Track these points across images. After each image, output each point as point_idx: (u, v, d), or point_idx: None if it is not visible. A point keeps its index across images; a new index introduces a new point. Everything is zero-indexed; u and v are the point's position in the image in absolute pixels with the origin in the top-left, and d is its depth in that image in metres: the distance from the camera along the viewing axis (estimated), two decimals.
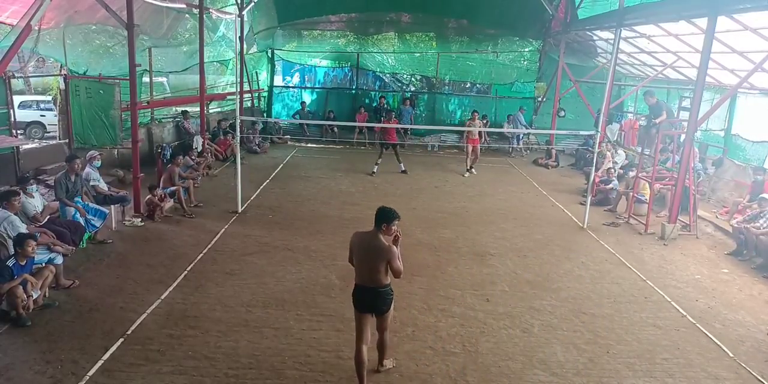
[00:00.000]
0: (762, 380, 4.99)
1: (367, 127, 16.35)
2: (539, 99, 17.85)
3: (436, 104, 18.45)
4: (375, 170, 12.73)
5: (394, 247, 4.40)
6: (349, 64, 18.79)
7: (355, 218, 9.29)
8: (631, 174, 10.95)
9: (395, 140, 13.05)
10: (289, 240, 8.11)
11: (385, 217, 4.44)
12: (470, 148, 13.28)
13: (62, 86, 10.35)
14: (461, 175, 13.28)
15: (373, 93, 18.55)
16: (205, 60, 13.32)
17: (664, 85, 14.20)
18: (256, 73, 18.05)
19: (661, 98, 11.74)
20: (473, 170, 13.48)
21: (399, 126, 14.87)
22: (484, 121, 16.77)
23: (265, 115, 18.04)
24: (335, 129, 17.05)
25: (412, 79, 19.41)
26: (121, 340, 5.11)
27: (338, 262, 7.29)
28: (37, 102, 16.23)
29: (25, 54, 10.62)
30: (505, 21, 17.29)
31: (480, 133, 13.75)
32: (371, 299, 4.50)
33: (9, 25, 9.93)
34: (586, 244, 8.67)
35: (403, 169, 13.12)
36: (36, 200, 6.89)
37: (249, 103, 17.63)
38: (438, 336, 5.52)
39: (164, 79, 17.25)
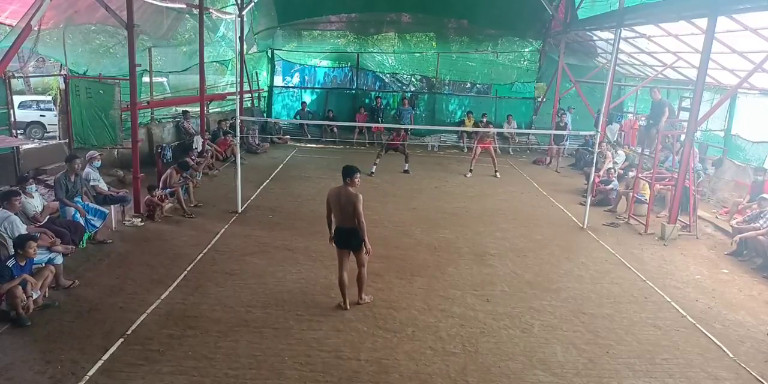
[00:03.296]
0: (762, 380, 4.99)
1: (366, 127, 16.36)
2: (539, 99, 17.85)
3: (436, 104, 18.45)
4: (373, 170, 12.72)
5: (359, 194, 5.72)
6: (349, 64, 18.79)
7: None
8: (631, 174, 10.96)
9: (397, 145, 13.15)
10: (289, 240, 8.10)
11: (348, 172, 5.82)
12: (478, 150, 13.28)
13: (62, 86, 10.33)
14: (463, 174, 13.29)
15: (373, 93, 18.55)
16: (205, 60, 13.32)
17: (664, 85, 14.19)
18: (256, 73, 18.05)
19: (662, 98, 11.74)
20: (497, 174, 13.31)
21: (400, 126, 14.86)
22: (484, 121, 16.79)
23: (265, 115, 18.04)
24: (335, 129, 17.04)
25: (412, 79, 19.41)
26: (121, 340, 5.11)
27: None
28: (37, 102, 16.22)
29: (25, 54, 10.61)
30: (505, 21, 17.30)
31: (489, 134, 13.64)
32: (346, 236, 5.86)
33: (8, 25, 9.94)
34: (586, 244, 8.67)
35: (407, 168, 13.20)
36: (36, 200, 6.89)
37: (249, 103, 17.64)
38: (438, 336, 5.51)
39: (164, 79, 17.25)
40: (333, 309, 5.97)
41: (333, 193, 5.85)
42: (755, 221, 8.25)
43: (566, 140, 15.94)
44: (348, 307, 5.97)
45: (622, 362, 5.17)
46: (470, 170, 13.32)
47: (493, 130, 13.89)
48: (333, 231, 6.00)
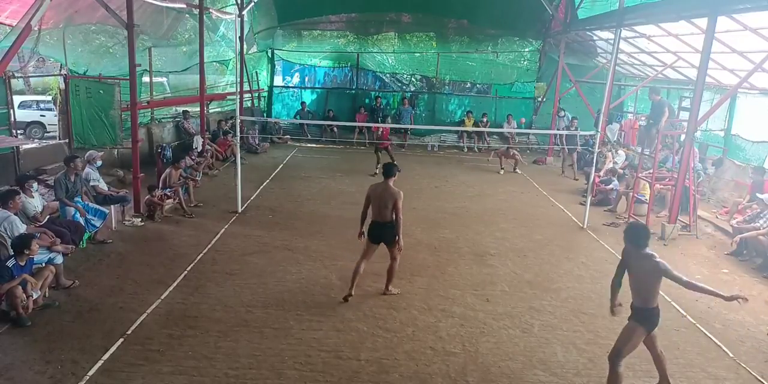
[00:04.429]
0: (762, 380, 4.99)
1: (366, 127, 16.35)
2: (539, 99, 17.85)
3: (436, 104, 18.45)
4: (377, 171, 12.50)
5: (400, 192, 6.04)
6: (349, 64, 18.78)
7: (355, 218, 9.21)
8: (616, 167, 10.96)
9: (386, 145, 12.89)
10: (289, 240, 8.10)
11: (389, 170, 6.24)
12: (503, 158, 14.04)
13: (62, 86, 10.33)
14: (497, 172, 13.87)
15: (373, 93, 18.55)
16: (205, 60, 13.32)
17: (664, 85, 14.19)
18: (256, 73, 18.05)
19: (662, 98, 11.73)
20: (517, 170, 13.96)
21: (399, 126, 14.89)
22: (484, 120, 16.81)
23: (265, 115, 18.04)
24: (335, 129, 17.05)
25: (412, 79, 19.41)
26: (121, 340, 5.11)
27: (338, 263, 7.29)
28: (37, 102, 16.23)
29: (25, 54, 10.59)
30: (505, 21, 17.30)
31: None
32: (381, 231, 6.12)
33: (8, 25, 9.94)
34: (586, 244, 8.67)
35: (376, 172, 12.36)
36: (36, 200, 6.88)
37: (249, 103, 17.64)
38: (438, 336, 5.52)
39: (164, 79, 17.25)
40: (333, 309, 5.97)
41: (374, 189, 6.18)
42: (755, 221, 8.25)
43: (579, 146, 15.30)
44: (352, 294, 6.15)
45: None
46: (501, 168, 13.99)
47: (497, 129, 14.05)
48: (368, 225, 6.25)
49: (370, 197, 6.18)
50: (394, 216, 6.06)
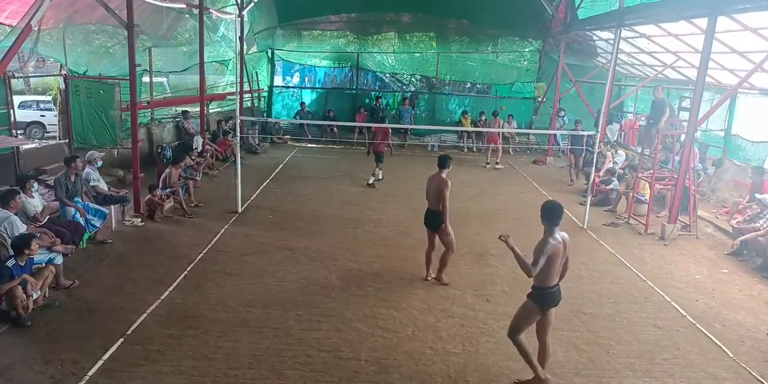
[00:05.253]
0: (762, 380, 4.99)
1: (366, 127, 16.35)
2: (539, 99, 17.86)
3: (436, 104, 18.45)
4: (381, 177, 12.12)
5: (449, 181, 6.45)
6: (349, 64, 18.78)
7: (355, 218, 9.30)
8: (610, 165, 10.95)
9: (382, 149, 11.87)
10: (289, 240, 8.10)
11: (442, 161, 6.60)
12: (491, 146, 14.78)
13: (62, 86, 10.34)
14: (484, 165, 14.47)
15: (373, 93, 18.56)
16: (205, 60, 13.32)
17: (664, 85, 14.18)
18: (256, 73, 18.05)
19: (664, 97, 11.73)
20: (498, 165, 14.53)
21: (398, 126, 14.88)
22: (483, 119, 16.80)
23: (265, 115, 18.03)
24: (335, 129, 17.05)
25: (412, 79, 19.41)
26: (121, 340, 5.11)
27: (338, 262, 7.30)
28: (37, 102, 16.22)
29: (25, 54, 10.61)
30: (505, 21, 17.30)
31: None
32: (428, 217, 6.66)
33: (8, 25, 9.94)
34: (586, 244, 8.66)
35: (371, 182, 11.78)
36: (36, 200, 6.88)
37: (249, 103, 17.64)
38: (438, 336, 5.52)
39: (164, 79, 17.25)
40: (333, 309, 5.97)
41: (430, 179, 6.67)
42: (755, 221, 8.25)
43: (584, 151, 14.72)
44: (428, 278, 6.78)
45: (623, 362, 5.18)
46: (487, 162, 14.73)
47: (496, 129, 14.19)
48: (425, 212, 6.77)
49: (426, 186, 6.70)
50: (439, 206, 6.45)
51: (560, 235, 4.51)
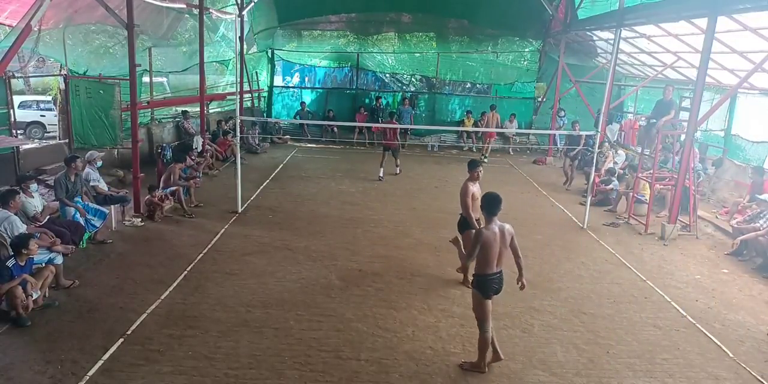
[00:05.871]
0: (762, 380, 4.99)
1: (366, 127, 16.36)
2: (539, 99, 17.86)
3: (436, 104, 18.45)
4: (381, 175, 12.39)
5: (469, 184, 6.41)
6: (349, 64, 18.78)
7: (355, 218, 9.30)
8: (609, 163, 10.96)
9: (395, 145, 12.69)
10: (289, 240, 8.10)
11: (470, 166, 6.57)
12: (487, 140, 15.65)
13: (62, 86, 10.34)
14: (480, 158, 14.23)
15: (373, 93, 18.56)
16: (205, 60, 13.32)
17: (664, 86, 14.18)
18: (256, 73, 18.06)
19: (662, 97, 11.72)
20: (485, 158, 15.08)
21: (398, 126, 14.83)
22: (484, 119, 16.81)
23: (265, 115, 18.03)
24: (335, 129, 17.05)
25: (412, 79, 19.40)
26: (121, 340, 5.11)
27: (338, 262, 7.30)
28: (37, 102, 16.23)
29: (25, 54, 10.62)
30: (505, 21, 17.31)
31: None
32: (458, 221, 6.58)
33: (8, 25, 9.94)
34: (586, 244, 8.67)
35: (398, 172, 12.92)
36: (36, 200, 6.88)
37: (249, 103, 17.64)
38: (438, 336, 5.52)
39: (164, 79, 17.25)
40: (333, 309, 5.97)
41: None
42: (755, 221, 8.25)
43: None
44: (463, 280, 6.73)
45: (622, 362, 5.18)
46: (483, 155, 15.27)
47: (496, 129, 14.52)
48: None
49: None
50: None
51: (498, 225, 4.80)
